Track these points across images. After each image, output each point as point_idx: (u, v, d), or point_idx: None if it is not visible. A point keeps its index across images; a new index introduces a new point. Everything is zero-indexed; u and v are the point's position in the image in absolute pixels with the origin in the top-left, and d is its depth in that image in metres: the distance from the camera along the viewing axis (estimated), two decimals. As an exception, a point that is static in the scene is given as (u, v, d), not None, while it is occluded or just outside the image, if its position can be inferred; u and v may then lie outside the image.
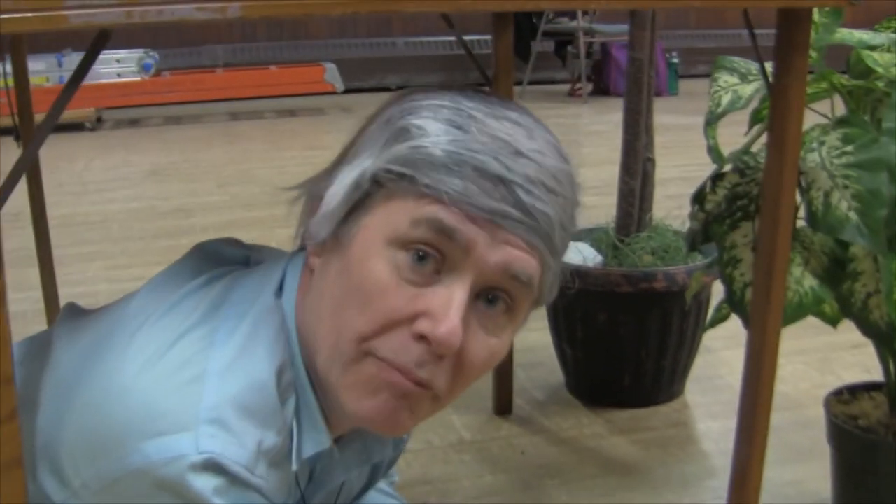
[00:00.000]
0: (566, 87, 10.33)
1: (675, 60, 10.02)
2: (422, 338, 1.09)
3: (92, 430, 1.11)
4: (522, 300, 1.15)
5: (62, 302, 2.79)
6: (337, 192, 1.15)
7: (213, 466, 1.06)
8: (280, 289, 1.23)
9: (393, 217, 1.10)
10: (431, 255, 1.09)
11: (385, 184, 1.11)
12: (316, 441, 1.19)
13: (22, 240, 3.06)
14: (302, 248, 1.27)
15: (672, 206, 3.15)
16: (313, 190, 1.22)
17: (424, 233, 1.08)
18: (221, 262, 1.31)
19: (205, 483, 1.05)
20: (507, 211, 1.07)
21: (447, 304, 1.08)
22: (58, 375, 1.23)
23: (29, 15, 1.05)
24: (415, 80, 10.51)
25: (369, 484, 1.53)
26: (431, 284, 1.09)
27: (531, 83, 9.98)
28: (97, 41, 1.23)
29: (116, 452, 1.08)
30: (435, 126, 1.10)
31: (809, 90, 1.91)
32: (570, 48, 10.29)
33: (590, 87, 10.03)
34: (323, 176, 1.22)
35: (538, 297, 1.18)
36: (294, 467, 1.17)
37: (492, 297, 1.13)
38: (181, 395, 1.09)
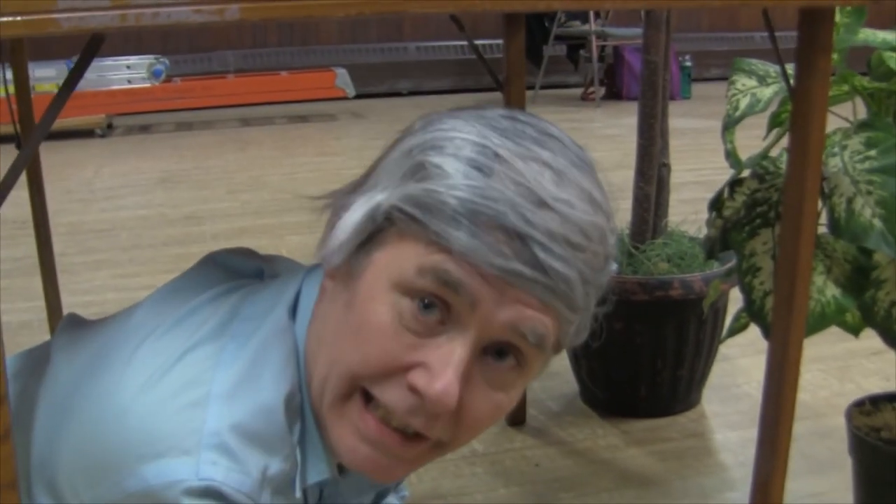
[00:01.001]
0: (579, 91, 10.32)
1: (688, 64, 9.99)
2: (416, 390, 1.03)
3: (89, 450, 1.08)
4: (533, 357, 1.08)
5: (67, 311, 2.76)
6: (350, 222, 1.09)
7: (212, 494, 1.02)
8: (294, 307, 1.18)
9: (401, 260, 1.04)
10: (436, 306, 1.03)
11: (397, 222, 1.04)
12: (318, 469, 1.15)
13: (30, 248, 3.02)
14: (320, 265, 1.21)
15: (687, 212, 3.10)
16: (339, 203, 1.14)
17: (430, 283, 1.01)
18: (233, 274, 1.27)
19: None
20: (518, 270, 0.99)
21: (446, 359, 1.02)
22: (55, 392, 1.20)
23: (19, 19, 1.02)
24: (426, 85, 10.52)
25: (379, 498, 1.50)
26: (434, 335, 1.03)
27: (543, 87, 9.96)
28: (90, 45, 1.19)
29: (114, 475, 1.05)
30: (454, 167, 1.02)
31: (831, 93, 1.86)
32: (582, 52, 10.28)
33: (602, 90, 10.01)
34: (349, 189, 1.15)
35: (556, 348, 1.10)
36: (297, 494, 1.13)
37: (500, 350, 1.06)
38: (183, 418, 1.05)
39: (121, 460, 1.04)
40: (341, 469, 1.20)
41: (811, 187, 1.55)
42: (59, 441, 1.12)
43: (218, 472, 1.02)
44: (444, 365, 1.02)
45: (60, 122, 6.21)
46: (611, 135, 7.70)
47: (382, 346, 1.04)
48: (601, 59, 10.15)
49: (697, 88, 9.91)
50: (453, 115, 1.10)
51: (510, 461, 2.63)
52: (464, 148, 1.03)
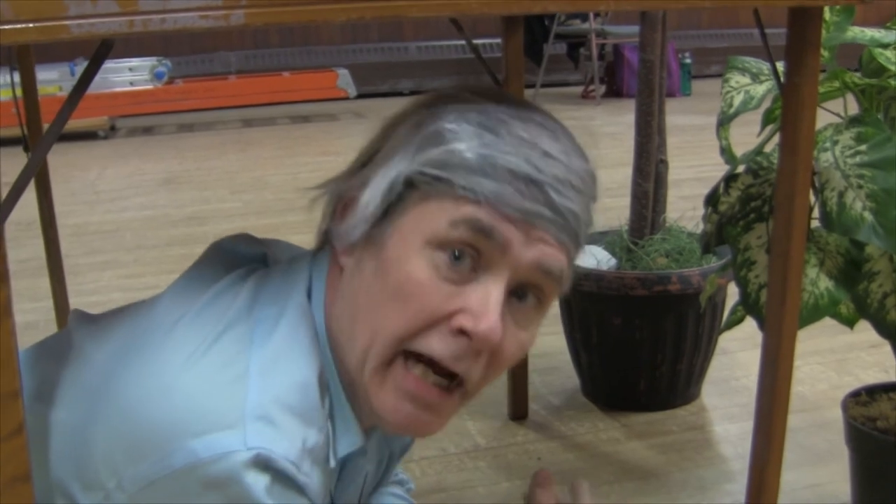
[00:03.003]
0: (579, 90, 10.35)
1: (688, 61, 10.02)
2: (461, 333, 1.12)
3: (130, 429, 1.11)
4: (552, 293, 1.19)
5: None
6: (373, 194, 1.17)
7: (262, 462, 1.06)
8: (308, 290, 1.24)
9: (430, 218, 1.13)
10: (469, 254, 1.12)
11: (420, 186, 1.14)
12: (349, 441, 1.22)
13: (35, 249, 3.06)
14: (321, 248, 1.29)
15: (686, 208, 3.14)
16: (337, 190, 1.24)
17: (463, 233, 1.11)
18: (240, 260, 1.31)
19: (255, 479, 1.06)
20: (540, 211, 1.11)
21: (486, 300, 1.11)
22: (87, 377, 1.22)
23: (30, 25, 1.04)
24: (427, 85, 10.52)
25: (385, 471, 1.54)
26: (469, 282, 1.13)
27: (544, 86, 9.99)
28: (100, 51, 1.22)
29: (159, 451, 1.08)
30: (467, 129, 1.14)
31: (822, 89, 1.90)
32: (582, 50, 10.32)
33: (602, 88, 10.04)
34: (346, 177, 1.24)
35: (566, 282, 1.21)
36: (332, 464, 1.18)
37: (522, 292, 1.16)
38: (226, 394, 1.10)
39: (167, 437, 1.07)
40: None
41: (802, 182, 1.58)
42: (93, 424, 1.14)
43: (264, 439, 1.07)
44: (485, 305, 1.11)
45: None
46: (611, 132, 7.73)
47: (425, 300, 1.12)
48: (601, 57, 10.18)
49: (697, 85, 9.93)
50: (443, 92, 1.22)
51: (512, 455, 2.66)
52: (470, 115, 1.15)
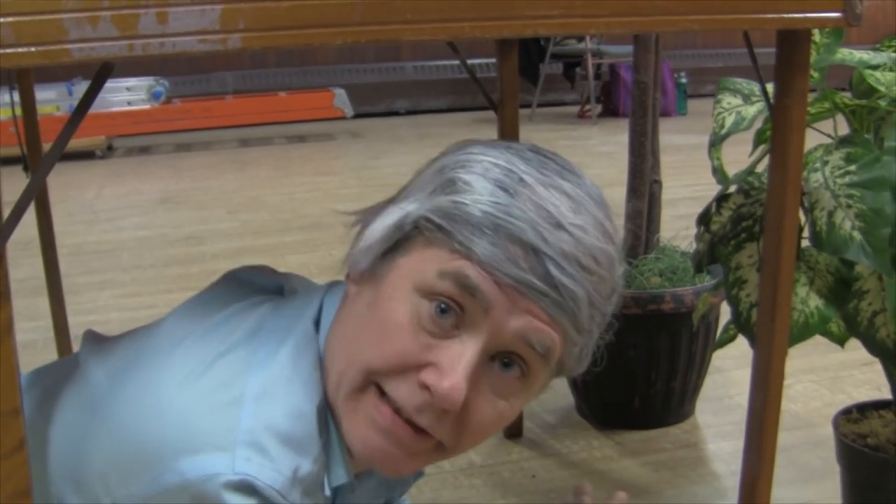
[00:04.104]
0: (575, 109, 10.37)
1: (684, 80, 10.04)
2: (426, 387, 1.10)
3: (125, 447, 1.13)
4: (538, 369, 1.16)
5: (73, 331, 2.81)
6: (379, 228, 1.18)
7: (247, 487, 1.07)
8: (318, 320, 1.25)
9: (424, 265, 1.13)
10: (453, 310, 1.11)
11: (424, 231, 1.13)
12: (337, 475, 1.21)
13: (33, 269, 3.07)
14: (338, 281, 1.29)
15: (681, 227, 3.15)
16: (367, 220, 1.23)
17: (449, 286, 1.10)
18: (255, 289, 1.33)
19: (238, 502, 1.07)
20: (532, 282, 1.09)
21: (457, 360, 1.10)
22: (87, 394, 1.24)
23: (32, 49, 1.06)
24: (424, 105, 10.58)
25: None
26: (447, 338, 1.12)
27: (540, 105, 10.02)
28: (100, 73, 1.24)
29: (151, 470, 1.10)
30: (482, 184, 1.12)
31: (812, 110, 1.92)
32: (578, 70, 10.33)
33: (599, 108, 10.05)
34: (378, 208, 1.23)
35: (559, 368, 1.19)
36: (327, 493, 1.19)
37: (507, 360, 1.14)
38: (219, 416, 1.11)
39: (158, 456, 1.09)
40: (356, 476, 1.26)
41: (791, 202, 1.60)
42: (91, 440, 1.17)
43: (252, 467, 1.08)
44: (454, 364, 1.10)
45: (62, 145, 6.27)
46: (607, 152, 7.75)
47: (399, 344, 1.12)
48: (597, 76, 10.20)
49: (693, 105, 9.95)
50: (484, 143, 1.20)
51: (508, 473, 2.67)
52: (492, 170, 1.13)
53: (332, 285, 1.30)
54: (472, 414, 1.14)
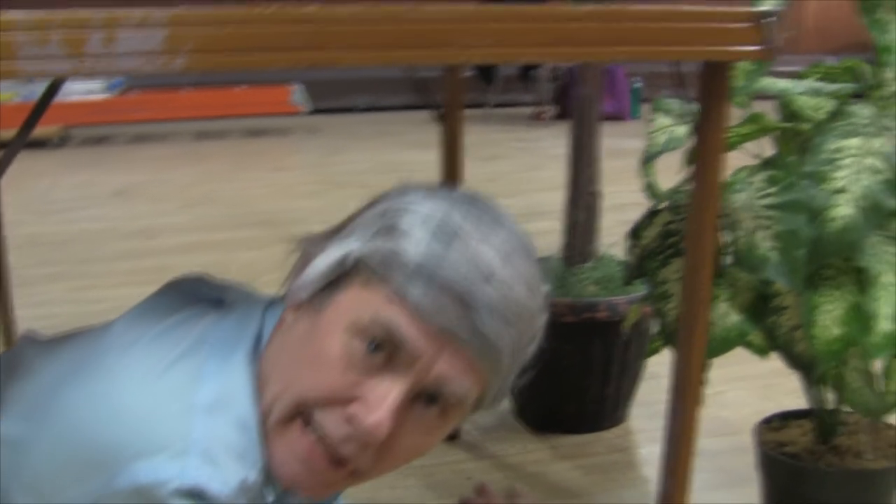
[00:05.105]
0: (531, 111, 10.38)
1: (638, 85, 10.11)
2: (352, 420, 1.17)
3: (79, 446, 1.17)
4: (453, 411, 1.23)
5: (23, 324, 2.83)
6: (323, 263, 1.23)
7: (196, 495, 1.12)
8: (259, 336, 1.30)
9: (361, 305, 1.18)
10: (383, 349, 1.17)
11: (363, 271, 1.20)
12: (275, 485, 1.26)
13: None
14: (277, 299, 1.35)
15: (625, 232, 3.21)
16: (308, 249, 1.29)
17: (380, 332, 1.16)
18: (196, 299, 1.37)
19: None
20: (459, 331, 1.15)
21: (383, 398, 1.17)
22: (34, 390, 1.28)
23: (-15, 66, 1.12)
24: (382, 102, 10.58)
25: None
26: (377, 375, 1.18)
27: (497, 106, 10.03)
28: (52, 87, 1.30)
29: (105, 471, 1.14)
30: (419, 234, 1.18)
31: (742, 131, 2.00)
32: (535, 71, 10.34)
33: (554, 110, 10.08)
34: (320, 238, 1.29)
35: (478, 405, 1.26)
36: (270, 500, 1.24)
37: (430, 398, 1.20)
38: (173, 424, 1.16)
39: (113, 457, 1.13)
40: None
41: (710, 222, 1.68)
42: (39, 438, 1.20)
43: (201, 475, 1.13)
44: (380, 401, 1.16)
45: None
46: (559, 154, 7.66)
47: (330, 378, 1.18)
48: (554, 78, 10.22)
49: (647, 109, 9.98)
50: (426, 190, 1.26)
51: (443, 474, 2.73)
52: (430, 220, 1.19)
53: (272, 304, 1.35)
54: (393, 446, 1.20)
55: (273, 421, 1.21)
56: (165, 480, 1.12)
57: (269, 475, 1.24)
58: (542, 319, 1.27)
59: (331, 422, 1.18)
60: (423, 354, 1.16)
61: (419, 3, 1.34)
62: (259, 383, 1.25)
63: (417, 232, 1.18)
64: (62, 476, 1.18)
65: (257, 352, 1.28)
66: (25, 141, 1.25)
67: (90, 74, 1.20)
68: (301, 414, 1.20)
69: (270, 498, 1.24)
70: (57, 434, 1.20)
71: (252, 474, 1.18)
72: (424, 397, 1.20)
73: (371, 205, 1.28)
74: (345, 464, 1.21)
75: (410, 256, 1.16)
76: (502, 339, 1.17)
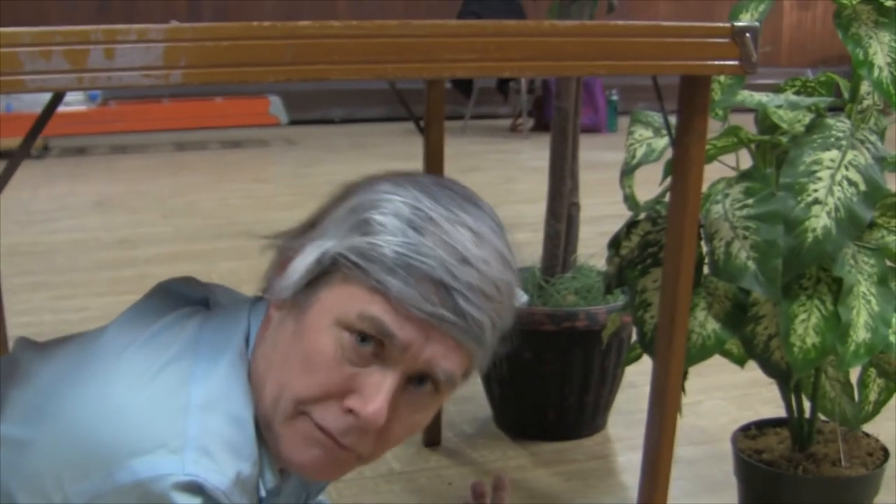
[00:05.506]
0: (508, 123, 10.42)
1: (615, 98, 10.17)
2: (350, 411, 1.22)
3: (79, 445, 1.20)
4: (445, 387, 1.27)
5: (6, 331, 2.86)
6: (302, 263, 1.26)
7: (195, 488, 1.16)
8: (247, 335, 1.34)
9: (345, 301, 1.22)
10: (372, 340, 1.21)
11: (342, 267, 1.23)
12: (266, 479, 1.30)
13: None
14: (261, 297, 1.39)
15: (603, 244, 3.24)
16: (283, 246, 1.33)
17: (368, 327, 1.20)
18: (184, 301, 1.41)
19: (186, 501, 1.15)
20: (443, 315, 1.19)
21: (378, 387, 1.21)
22: (33, 392, 1.31)
23: (-10, 80, 1.16)
24: (358, 113, 10.62)
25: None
26: (369, 365, 1.22)
27: (474, 118, 10.06)
28: (52, 102, 1.33)
29: (105, 469, 1.17)
30: (394, 225, 1.21)
31: (720, 143, 2.04)
32: (511, 83, 10.37)
33: (531, 122, 10.12)
34: (294, 233, 1.33)
35: (466, 376, 1.30)
36: (262, 493, 1.28)
37: (421, 378, 1.25)
38: (169, 421, 1.19)
39: (111, 456, 1.16)
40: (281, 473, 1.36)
41: (689, 233, 1.72)
42: (39, 440, 1.24)
43: (200, 469, 1.16)
44: (376, 391, 1.21)
45: (-4, 143, 6.27)
46: (536, 167, 7.78)
47: (325, 375, 1.22)
48: (530, 90, 10.27)
49: (624, 122, 9.95)
50: (393, 179, 1.29)
51: (425, 480, 2.76)
52: (402, 210, 1.23)
53: (256, 302, 1.39)
54: (391, 428, 1.25)
55: (280, 421, 1.26)
56: (165, 474, 1.15)
57: (262, 469, 1.28)
58: (517, 293, 1.31)
59: (330, 417, 1.23)
60: (411, 344, 1.20)
61: (407, 20, 1.38)
62: (253, 380, 1.29)
63: (391, 223, 1.21)
64: (62, 475, 1.20)
65: (247, 349, 1.32)
66: (27, 153, 1.28)
67: (91, 88, 1.23)
68: (303, 413, 1.24)
69: (263, 492, 1.28)
70: (56, 434, 1.23)
71: (246, 468, 1.22)
72: (416, 378, 1.24)
73: (341, 198, 1.31)
74: (350, 450, 1.25)
75: (387, 249, 1.19)
76: (485, 315, 1.21)
